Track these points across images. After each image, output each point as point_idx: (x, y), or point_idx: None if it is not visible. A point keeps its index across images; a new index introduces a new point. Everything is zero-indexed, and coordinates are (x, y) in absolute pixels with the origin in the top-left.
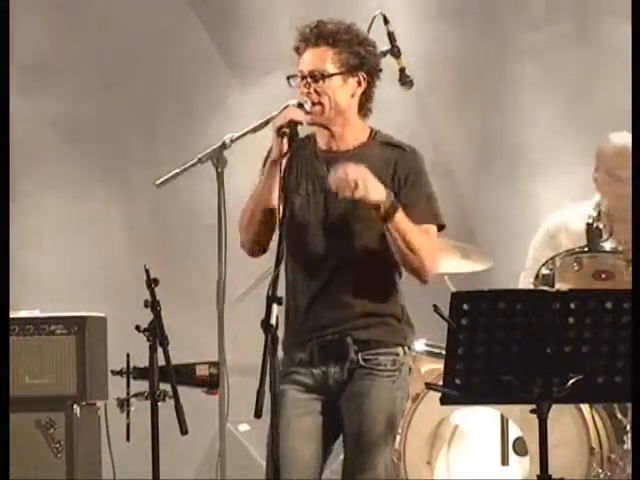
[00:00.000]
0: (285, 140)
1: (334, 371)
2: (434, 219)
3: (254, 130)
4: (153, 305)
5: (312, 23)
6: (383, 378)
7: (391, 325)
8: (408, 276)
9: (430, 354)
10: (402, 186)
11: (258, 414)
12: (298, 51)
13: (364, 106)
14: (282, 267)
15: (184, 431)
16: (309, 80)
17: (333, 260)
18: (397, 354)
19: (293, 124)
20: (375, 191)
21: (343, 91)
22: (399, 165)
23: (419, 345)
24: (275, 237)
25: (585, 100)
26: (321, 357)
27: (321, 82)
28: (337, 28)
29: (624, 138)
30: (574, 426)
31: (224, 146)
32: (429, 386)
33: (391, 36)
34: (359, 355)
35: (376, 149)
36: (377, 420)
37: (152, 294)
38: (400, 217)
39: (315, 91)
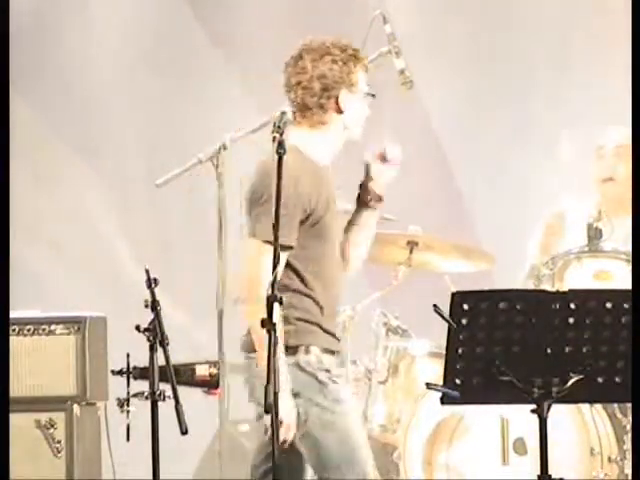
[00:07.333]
0: None
1: None
2: None
3: (254, 130)
4: (153, 305)
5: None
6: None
7: None
8: (408, 276)
9: (431, 354)
10: None
11: (268, 409)
12: (362, 71)
13: None
14: (279, 269)
15: (184, 431)
16: None
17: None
18: None
19: None
20: None
21: None
22: None
23: (420, 345)
24: None
25: (589, 100)
26: None
27: None
28: None
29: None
30: (574, 426)
31: (224, 146)
32: (429, 386)
33: (390, 36)
34: None
35: None
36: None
37: (152, 294)
38: None
39: None
